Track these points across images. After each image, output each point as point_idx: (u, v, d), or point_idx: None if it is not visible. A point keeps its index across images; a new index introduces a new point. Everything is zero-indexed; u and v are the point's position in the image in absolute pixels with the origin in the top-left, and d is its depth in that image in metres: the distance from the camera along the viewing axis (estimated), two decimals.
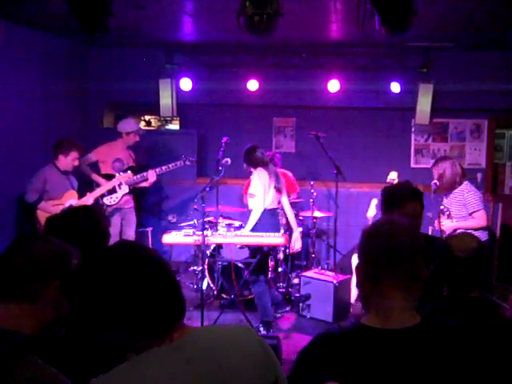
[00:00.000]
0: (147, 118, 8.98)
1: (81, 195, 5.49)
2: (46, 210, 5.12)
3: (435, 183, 4.96)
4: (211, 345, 1.37)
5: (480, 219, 4.63)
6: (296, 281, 5.89)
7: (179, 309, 1.37)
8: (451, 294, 2.25)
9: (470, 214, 4.66)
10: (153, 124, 9.14)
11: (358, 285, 1.60)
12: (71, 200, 5.34)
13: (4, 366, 1.41)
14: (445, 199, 4.83)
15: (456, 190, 4.74)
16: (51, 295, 1.57)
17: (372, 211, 5.71)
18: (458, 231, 4.52)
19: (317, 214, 6.07)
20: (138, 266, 1.31)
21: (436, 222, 4.77)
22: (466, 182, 4.73)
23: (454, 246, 2.23)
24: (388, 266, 1.49)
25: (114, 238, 6.48)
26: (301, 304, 5.49)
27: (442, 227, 4.67)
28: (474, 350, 1.50)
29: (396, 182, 5.45)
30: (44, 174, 5.23)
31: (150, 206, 6.92)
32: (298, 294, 5.59)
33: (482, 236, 4.56)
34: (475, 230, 4.53)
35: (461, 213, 4.70)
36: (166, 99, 6.73)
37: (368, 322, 1.52)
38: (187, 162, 5.75)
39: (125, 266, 1.31)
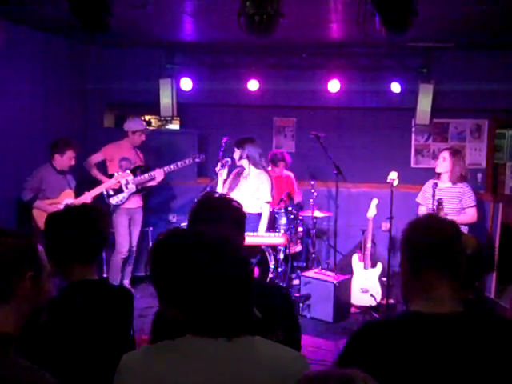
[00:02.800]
0: (147, 117, 8.99)
1: (82, 193, 5.49)
2: (42, 208, 5.14)
3: (435, 183, 4.98)
4: (251, 360, 1.35)
5: (473, 215, 4.93)
6: (296, 281, 5.89)
7: (242, 318, 1.36)
8: None
9: (463, 209, 4.91)
10: (153, 124, 9.14)
11: (403, 279, 1.68)
12: (67, 199, 5.35)
13: None
14: (436, 191, 4.89)
15: (455, 185, 4.93)
16: (26, 289, 1.52)
17: (372, 211, 5.71)
18: None
19: (317, 213, 6.07)
20: (221, 259, 1.34)
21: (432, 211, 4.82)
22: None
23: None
24: (436, 257, 1.59)
25: (122, 238, 6.52)
26: (301, 304, 5.49)
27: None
28: None
29: (396, 182, 5.46)
30: (40, 174, 5.24)
31: (150, 205, 6.91)
32: (298, 294, 5.58)
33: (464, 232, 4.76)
34: (465, 225, 4.79)
35: (454, 207, 4.90)
36: (167, 99, 6.73)
37: (418, 309, 1.60)
38: (197, 160, 5.75)
39: (208, 253, 1.33)
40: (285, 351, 1.44)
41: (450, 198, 4.92)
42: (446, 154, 4.97)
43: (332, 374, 1.11)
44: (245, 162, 5.18)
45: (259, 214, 5.19)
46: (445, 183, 5.00)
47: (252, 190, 5.18)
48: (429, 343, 1.53)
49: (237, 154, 5.05)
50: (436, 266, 1.59)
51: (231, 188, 5.16)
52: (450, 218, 4.72)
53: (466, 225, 4.88)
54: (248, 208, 5.12)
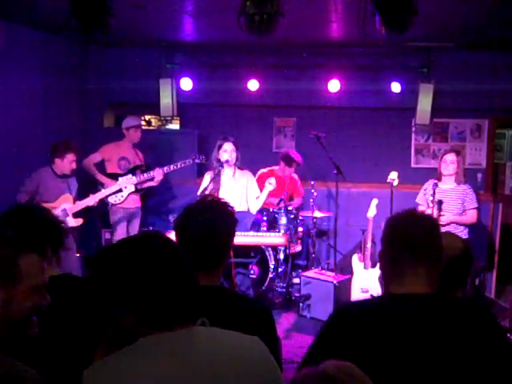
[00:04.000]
0: (147, 117, 8.99)
1: (83, 196, 5.48)
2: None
3: (435, 183, 4.98)
4: (212, 349, 1.37)
5: (473, 216, 4.98)
6: (296, 281, 5.89)
7: (191, 306, 1.41)
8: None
9: (465, 211, 4.96)
10: (153, 124, 9.15)
11: (382, 268, 1.81)
12: (65, 204, 5.29)
13: None
14: (437, 191, 4.91)
15: (459, 186, 4.97)
16: (18, 296, 1.51)
17: (372, 211, 5.71)
18: (452, 225, 4.79)
19: (317, 213, 6.07)
20: (161, 254, 1.38)
21: (431, 211, 4.82)
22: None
23: (446, 246, 2.21)
24: (411, 249, 1.69)
25: (120, 237, 6.51)
26: (301, 304, 5.49)
27: (442, 218, 4.81)
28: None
29: (396, 182, 5.46)
30: (38, 176, 5.20)
31: (150, 206, 6.91)
32: (298, 294, 5.58)
33: (465, 233, 4.94)
34: (465, 226, 4.94)
35: (456, 207, 4.94)
36: (167, 99, 6.72)
37: (389, 290, 1.75)
38: (196, 160, 5.73)
39: (150, 250, 1.38)
40: (241, 336, 1.47)
41: (454, 199, 4.95)
42: (453, 157, 4.99)
43: (309, 375, 1.11)
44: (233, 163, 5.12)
45: (247, 212, 5.16)
46: (448, 184, 5.01)
47: (242, 189, 5.11)
48: (397, 321, 1.63)
49: (234, 154, 5.03)
50: (411, 257, 1.70)
51: (215, 189, 5.06)
52: (450, 218, 4.80)
53: (466, 226, 4.98)
54: (238, 207, 5.12)
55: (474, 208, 4.96)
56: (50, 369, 1.74)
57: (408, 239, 1.71)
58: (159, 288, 1.35)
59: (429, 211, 4.85)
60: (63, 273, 2.12)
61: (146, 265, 1.35)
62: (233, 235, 2.02)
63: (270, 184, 4.97)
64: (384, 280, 1.83)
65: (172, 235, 5.67)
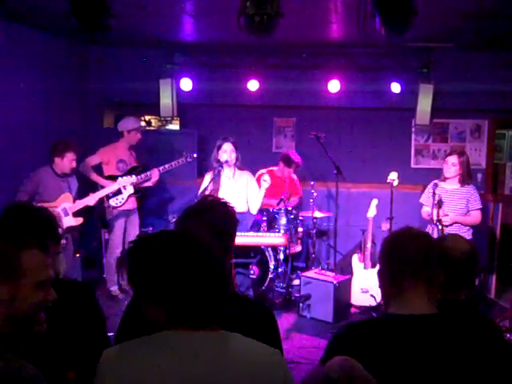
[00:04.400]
0: (147, 118, 8.98)
1: (83, 196, 5.48)
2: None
3: (435, 183, 4.98)
4: (235, 357, 1.38)
5: (478, 217, 4.93)
6: (296, 281, 5.89)
7: (220, 308, 1.43)
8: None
9: (468, 211, 4.91)
10: (153, 124, 9.13)
11: (382, 287, 1.82)
12: (65, 203, 5.30)
13: None
14: (437, 191, 4.89)
15: (463, 187, 4.93)
16: (22, 292, 1.51)
17: (372, 211, 5.71)
18: (455, 225, 4.75)
19: (317, 214, 6.07)
20: (197, 253, 1.41)
21: (436, 211, 4.80)
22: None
23: (450, 249, 2.21)
24: (410, 268, 1.71)
25: (118, 239, 6.50)
26: (301, 304, 5.49)
27: (445, 218, 4.78)
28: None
29: (396, 182, 5.46)
30: (37, 176, 5.21)
31: (149, 206, 6.92)
32: (298, 294, 5.59)
33: (469, 234, 4.89)
34: (469, 226, 4.89)
35: (460, 208, 4.90)
36: (166, 99, 6.72)
37: (390, 311, 1.74)
38: (189, 159, 5.75)
39: (185, 249, 1.41)
40: (260, 346, 1.46)
41: (457, 199, 4.91)
42: (454, 159, 4.92)
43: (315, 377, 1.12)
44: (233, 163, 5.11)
45: (247, 212, 5.16)
46: (452, 185, 4.97)
47: (241, 190, 5.12)
48: (401, 342, 1.63)
49: (234, 154, 5.03)
50: (410, 276, 1.71)
51: (215, 190, 5.06)
52: (454, 218, 4.76)
53: (470, 226, 4.94)
54: (238, 207, 5.10)
55: (478, 209, 4.92)
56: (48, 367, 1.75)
57: (405, 258, 1.72)
58: (197, 286, 1.37)
59: (433, 211, 4.83)
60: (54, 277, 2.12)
61: (188, 261, 1.38)
62: (234, 235, 2.03)
63: (265, 181, 4.97)
64: (384, 298, 1.83)
65: None
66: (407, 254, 1.72)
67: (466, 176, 4.93)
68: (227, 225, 1.99)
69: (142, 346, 1.37)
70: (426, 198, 5.16)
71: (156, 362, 1.32)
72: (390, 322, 1.71)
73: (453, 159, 4.93)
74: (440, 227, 4.72)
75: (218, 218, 1.94)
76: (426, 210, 5.09)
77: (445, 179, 5.01)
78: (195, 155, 5.82)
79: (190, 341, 1.36)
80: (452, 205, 4.90)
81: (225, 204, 2.04)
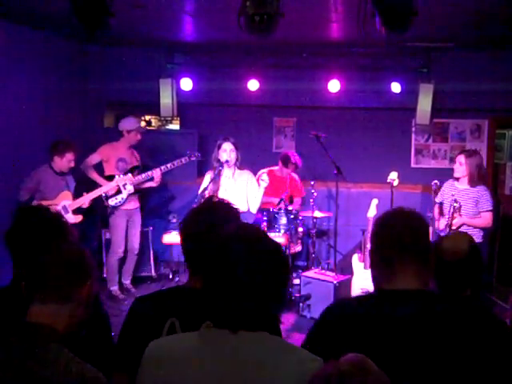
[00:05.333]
0: (147, 117, 8.99)
1: (81, 194, 5.49)
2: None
3: (435, 183, 4.97)
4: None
5: (488, 219, 4.74)
6: (296, 281, 5.89)
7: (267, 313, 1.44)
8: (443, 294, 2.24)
9: (479, 213, 4.74)
10: (153, 124, 9.14)
11: (372, 266, 1.82)
12: (65, 201, 5.34)
13: (48, 357, 1.46)
14: (446, 193, 4.84)
15: (473, 187, 4.78)
16: (84, 295, 1.63)
17: (372, 211, 5.71)
18: (464, 227, 4.62)
19: (317, 214, 6.07)
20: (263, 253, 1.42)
21: (448, 215, 4.74)
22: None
23: (445, 250, 2.19)
24: (398, 247, 1.72)
25: (119, 238, 6.52)
26: (301, 304, 5.49)
27: (454, 221, 4.69)
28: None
29: (396, 182, 5.46)
30: (37, 175, 5.24)
31: (150, 205, 6.92)
32: (298, 294, 5.59)
33: (479, 236, 4.69)
34: (480, 228, 4.70)
35: (471, 210, 4.76)
36: (167, 99, 6.72)
37: (379, 287, 1.77)
38: (192, 158, 5.72)
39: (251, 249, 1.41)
40: (302, 354, 1.46)
41: (467, 200, 4.78)
42: (461, 159, 4.81)
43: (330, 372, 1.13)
44: (233, 163, 5.11)
45: (248, 212, 5.16)
46: (463, 185, 4.85)
47: (241, 189, 5.11)
48: (387, 315, 1.66)
49: (234, 154, 5.02)
50: (399, 252, 1.72)
51: (214, 190, 5.06)
52: (462, 220, 4.62)
53: (480, 229, 4.75)
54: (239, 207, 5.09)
55: (488, 210, 4.73)
56: None
57: (395, 238, 1.73)
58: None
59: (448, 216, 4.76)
60: None
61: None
62: None
63: (263, 180, 4.96)
64: (374, 278, 1.84)
65: (172, 235, 5.68)
66: (396, 230, 1.73)
67: (477, 177, 4.75)
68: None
69: (186, 342, 1.42)
70: (440, 197, 5.02)
71: (200, 358, 1.37)
72: (379, 297, 1.74)
73: (460, 159, 4.82)
74: (447, 230, 4.65)
75: (222, 219, 1.94)
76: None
77: (457, 178, 4.90)
78: (199, 155, 5.75)
79: (249, 341, 1.38)
80: (462, 206, 4.78)
81: (228, 205, 2.04)
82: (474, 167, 4.76)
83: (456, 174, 4.88)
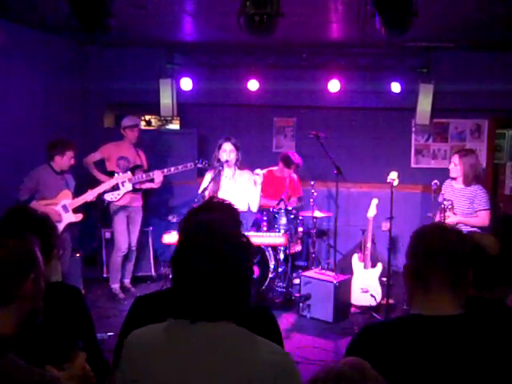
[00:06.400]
0: (147, 117, 8.98)
1: (82, 192, 5.49)
2: (38, 209, 5.10)
3: (435, 183, 4.97)
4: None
5: (484, 218, 4.70)
6: (296, 281, 5.89)
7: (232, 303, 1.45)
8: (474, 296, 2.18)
9: (476, 212, 4.72)
10: (153, 124, 9.14)
11: (406, 283, 1.74)
12: (65, 200, 5.34)
13: None
14: (446, 193, 4.85)
15: (468, 187, 4.77)
16: (28, 291, 1.53)
17: (372, 211, 5.71)
18: (458, 226, 4.61)
19: (317, 213, 6.07)
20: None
21: (438, 215, 4.77)
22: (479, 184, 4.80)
23: (484, 244, 2.16)
24: (437, 264, 1.63)
25: (121, 235, 6.48)
26: (301, 304, 5.49)
27: (448, 220, 4.70)
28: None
29: (396, 182, 5.46)
30: (37, 174, 5.24)
31: (150, 205, 6.91)
32: (298, 294, 5.58)
33: None
34: (477, 227, 4.63)
35: (466, 209, 4.76)
36: (167, 99, 6.72)
37: (418, 312, 1.66)
38: (199, 165, 5.60)
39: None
40: (269, 346, 1.48)
41: (463, 199, 4.78)
42: (456, 159, 4.80)
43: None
44: (233, 163, 5.10)
45: (248, 212, 5.15)
46: (459, 184, 4.85)
47: (241, 189, 5.10)
48: (426, 344, 1.57)
49: (234, 154, 5.01)
50: (435, 273, 1.63)
51: (214, 191, 5.04)
52: (456, 219, 4.62)
53: (477, 228, 4.68)
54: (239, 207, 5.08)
55: (484, 209, 4.68)
56: None
57: (431, 253, 1.65)
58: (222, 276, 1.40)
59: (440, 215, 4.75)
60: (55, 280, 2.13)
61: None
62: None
63: (257, 174, 4.94)
64: (408, 296, 1.76)
65: (172, 235, 5.67)
66: (433, 249, 1.64)
67: (472, 177, 4.74)
68: (231, 226, 1.99)
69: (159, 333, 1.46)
70: (441, 198, 4.97)
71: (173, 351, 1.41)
72: (413, 324, 1.64)
73: (455, 159, 4.83)
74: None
75: (222, 219, 1.94)
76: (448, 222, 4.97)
77: (454, 178, 4.89)
78: (206, 162, 5.51)
79: (206, 332, 1.41)
80: (457, 205, 4.78)
81: (229, 205, 2.04)
82: (468, 167, 4.74)
83: (452, 174, 4.88)
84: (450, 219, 4.73)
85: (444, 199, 4.77)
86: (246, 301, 1.47)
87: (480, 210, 4.71)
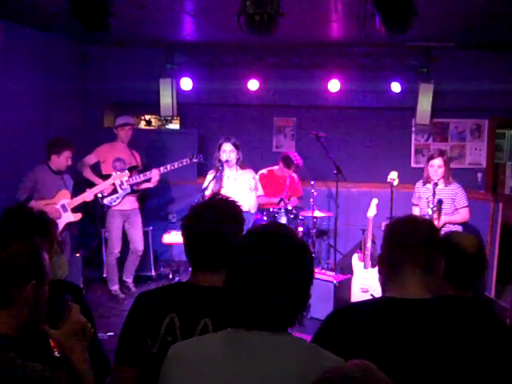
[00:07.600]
0: (147, 117, 8.99)
1: (80, 192, 5.48)
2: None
3: (436, 183, 4.98)
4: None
5: (466, 214, 4.97)
6: None
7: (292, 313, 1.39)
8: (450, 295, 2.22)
9: (456, 209, 4.96)
10: (153, 124, 9.14)
11: (381, 272, 1.82)
12: (63, 200, 5.33)
13: None
14: (437, 191, 4.90)
15: (448, 186, 4.97)
16: (28, 296, 1.50)
17: (372, 211, 5.71)
18: (445, 226, 4.86)
19: (317, 213, 6.07)
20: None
21: (435, 215, 4.80)
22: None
23: (464, 244, 2.19)
24: (408, 253, 1.71)
25: (114, 239, 6.44)
26: None
27: (437, 222, 4.79)
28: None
29: (396, 181, 5.46)
30: (35, 174, 5.22)
31: (150, 205, 6.92)
32: None
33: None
34: (459, 224, 4.93)
35: (448, 208, 4.95)
36: (167, 99, 6.72)
37: (387, 294, 1.75)
38: (194, 160, 5.64)
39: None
40: (333, 358, 1.40)
41: (444, 199, 4.94)
42: (440, 162, 4.91)
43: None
44: (234, 163, 5.10)
45: (248, 212, 5.14)
46: (439, 185, 4.96)
47: (243, 189, 5.10)
48: (396, 324, 1.65)
49: (234, 154, 5.01)
50: (408, 260, 1.71)
51: (217, 189, 5.04)
52: (444, 219, 4.75)
53: (459, 224, 4.97)
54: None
55: (464, 206, 4.94)
56: None
57: (404, 241, 1.73)
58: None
59: (429, 211, 4.83)
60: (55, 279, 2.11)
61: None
62: (241, 234, 2.00)
63: (254, 183, 5.06)
64: (381, 283, 1.83)
65: (172, 234, 5.68)
66: (406, 238, 1.73)
67: (450, 175, 4.96)
68: (233, 223, 1.97)
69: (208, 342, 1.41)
70: (417, 199, 5.16)
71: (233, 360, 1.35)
72: (384, 305, 1.72)
73: (438, 162, 4.91)
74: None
75: (225, 216, 1.93)
76: (417, 211, 5.11)
77: (429, 181, 4.99)
78: (202, 157, 5.64)
79: (271, 344, 1.35)
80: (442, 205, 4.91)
81: (232, 202, 2.03)
82: (448, 165, 4.95)
83: (435, 178, 4.93)
84: (442, 220, 4.86)
85: (429, 202, 4.87)
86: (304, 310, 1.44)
87: (461, 208, 4.94)
